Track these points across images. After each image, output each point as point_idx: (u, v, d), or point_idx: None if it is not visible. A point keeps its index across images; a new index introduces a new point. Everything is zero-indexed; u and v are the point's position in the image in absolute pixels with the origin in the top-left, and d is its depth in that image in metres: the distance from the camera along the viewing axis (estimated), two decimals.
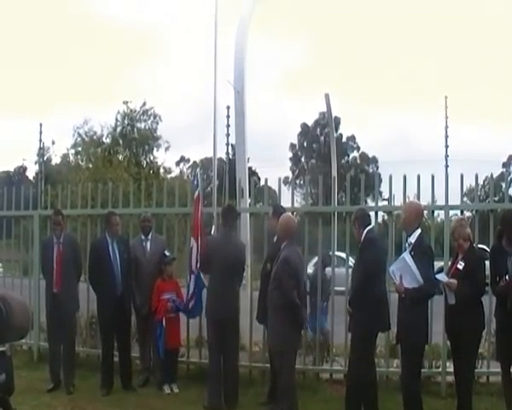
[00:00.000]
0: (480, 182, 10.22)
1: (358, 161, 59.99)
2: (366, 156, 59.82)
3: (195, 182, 9.84)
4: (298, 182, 51.02)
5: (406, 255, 7.24)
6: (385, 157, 51.17)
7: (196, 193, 9.65)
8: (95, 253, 9.69)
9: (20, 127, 68.54)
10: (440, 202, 9.24)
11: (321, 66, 71.03)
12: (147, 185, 11.60)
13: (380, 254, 7.80)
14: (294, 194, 10.28)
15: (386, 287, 8.03)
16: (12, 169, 55.89)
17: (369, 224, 7.88)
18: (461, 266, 7.40)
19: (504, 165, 50.00)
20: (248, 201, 11.19)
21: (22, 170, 55.33)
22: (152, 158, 38.74)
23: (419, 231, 7.42)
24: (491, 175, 10.14)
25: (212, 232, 10.18)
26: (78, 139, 38.13)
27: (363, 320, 7.47)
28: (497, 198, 10.90)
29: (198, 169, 9.37)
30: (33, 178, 51.76)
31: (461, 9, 71.29)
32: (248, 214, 10.42)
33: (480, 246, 9.00)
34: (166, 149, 39.07)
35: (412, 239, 7.38)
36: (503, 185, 18.84)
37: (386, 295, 7.85)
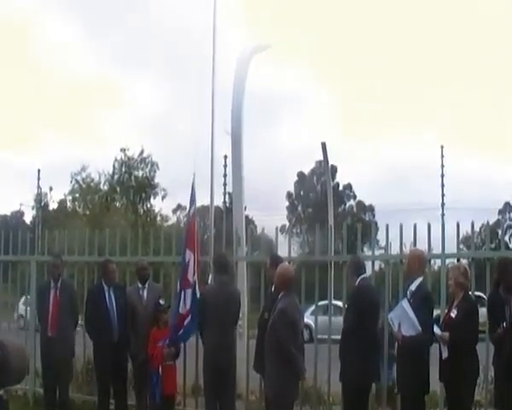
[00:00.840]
0: (477, 229, 10.25)
1: (355, 210, 60.14)
2: (363, 205, 59.96)
3: (191, 196, 9.74)
4: (295, 230, 51.05)
5: (404, 303, 7.25)
6: (381, 204, 51.07)
7: (192, 209, 9.63)
8: (91, 300, 9.68)
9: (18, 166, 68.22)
10: (437, 250, 9.25)
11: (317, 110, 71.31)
12: (144, 233, 11.61)
13: (372, 304, 7.80)
14: (291, 242, 10.27)
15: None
16: (9, 213, 55.89)
17: (363, 272, 7.91)
18: (453, 314, 7.40)
19: (500, 212, 50.15)
20: (245, 249, 11.21)
21: (19, 214, 55.32)
22: (149, 206, 38.82)
23: (420, 279, 7.44)
24: (488, 223, 10.18)
25: (209, 281, 10.17)
26: (76, 186, 38.26)
27: (353, 372, 7.45)
28: (493, 245, 10.90)
29: (193, 177, 9.18)
30: (30, 222, 51.72)
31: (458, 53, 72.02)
32: (245, 263, 10.43)
33: (476, 293, 9.00)
34: (163, 197, 39.19)
35: (413, 287, 7.40)
36: (500, 232, 18.88)
37: (377, 345, 7.83)
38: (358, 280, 7.70)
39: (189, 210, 9.86)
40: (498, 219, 41.44)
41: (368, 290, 7.92)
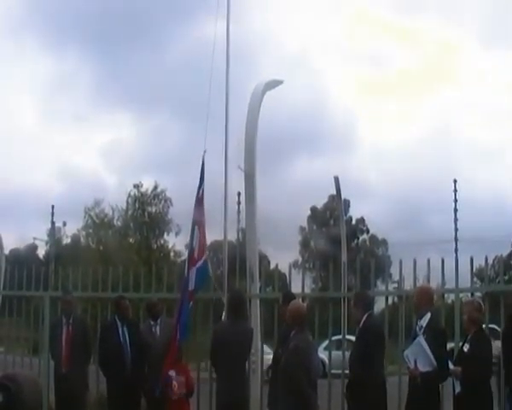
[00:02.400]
0: (490, 261, 10.24)
1: (368, 244, 59.96)
2: (376, 239, 59.78)
3: (201, 174, 10.14)
4: (308, 266, 50.91)
5: (421, 339, 7.24)
6: (395, 238, 50.92)
7: (201, 187, 10.02)
8: (105, 336, 9.70)
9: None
10: (450, 284, 9.23)
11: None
12: (157, 269, 11.65)
13: (380, 342, 7.79)
14: (304, 278, 10.30)
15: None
16: (22, 247, 56.14)
17: (371, 308, 7.90)
18: (466, 348, 7.37)
19: None
20: (258, 285, 11.21)
21: (33, 249, 55.49)
22: (162, 242, 38.87)
23: (429, 314, 7.41)
24: (501, 256, 10.16)
25: (222, 318, 10.17)
26: (89, 221, 38.41)
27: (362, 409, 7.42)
28: (506, 277, 10.90)
29: (204, 152, 9.57)
30: (43, 257, 51.89)
31: None
32: (258, 300, 10.44)
33: (490, 326, 8.96)
34: (177, 233, 39.27)
35: (423, 322, 7.38)
36: None
37: (384, 383, 7.79)
38: (366, 316, 7.70)
39: (199, 188, 10.13)
40: (511, 251, 41.10)
41: (377, 327, 7.93)
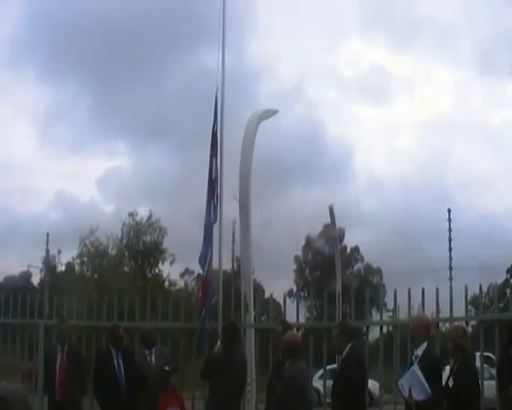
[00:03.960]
0: (485, 289, 10.29)
1: (363, 272, 59.90)
2: (370, 268, 59.73)
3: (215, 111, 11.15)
4: (302, 294, 50.84)
5: (416, 368, 7.24)
6: (389, 266, 50.91)
7: (216, 124, 11.12)
8: (99, 365, 9.68)
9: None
10: (445, 312, 9.27)
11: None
12: (152, 298, 11.66)
13: (363, 373, 7.85)
14: (299, 307, 10.32)
15: None
16: (17, 274, 55.85)
17: (354, 338, 7.94)
18: (451, 383, 7.30)
19: (508, 271, 49.63)
20: (253, 314, 11.22)
21: (27, 276, 55.25)
22: (157, 271, 38.86)
23: (426, 344, 7.43)
24: (496, 284, 10.20)
25: (217, 348, 10.17)
26: (84, 249, 38.38)
27: None
28: (501, 304, 10.93)
29: (217, 89, 10.53)
30: (38, 284, 51.69)
31: None
32: (253, 330, 10.45)
33: (485, 354, 8.99)
34: (172, 262, 39.26)
35: (419, 352, 7.39)
36: (508, 292, 18.81)
37: None
38: (349, 347, 7.76)
39: (214, 124, 11.12)
40: (506, 279, 41.15)
41: (360, 358, 8.00)
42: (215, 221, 10.80)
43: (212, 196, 10.84)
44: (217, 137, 11.16)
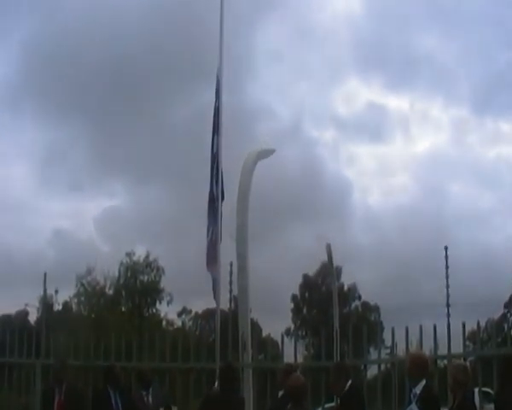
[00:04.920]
0: (483, 324, 10.30)
1: (360, 310, 59.71)
2: (368, 305, 59.56)
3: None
4: (300, 333, 50.63)
5: (413, 407, 7.22)
6: (387, 303, 50.77)
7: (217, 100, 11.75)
8: (97, 404, 9.61)
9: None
10: (443, 347, 9.26)
11: None
12: (149, 338, 11.64)
13: (362, 408, 7.84)
14: (297, 345, 10.31)
15: None
16: (13, 312, 55.54)
17: (350, 377, 7.93)
18: None
19: (506, 305, 49.48)
20: (251, 353, 11.20)
21: (24, 315, 54.93)
22: (154, 310, 38.77)
23: (424, 381, 7.41)
24: (493, 319, 10.22)
25: (215, 388, 10.12)
26: (81, 289, 38.30)
27: None
28: (499, 339, 10.91)
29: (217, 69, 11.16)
30: (35, 323, 51.37)
31: None
32: (251, 369, 10.43)
33: (483, 389, 8.96)
34: (169, 302, 39.19)
35: (417, 390, 7.36)
36: (506, 326, 18.78)
37: None
38: (348, 385, 7.75)
39: (216, 101, 11.77)
40: (504, 313, 41.10)
41: (360, 395, 7.99)
42: (220, 197, 11.27)
43: (214, 171, 11.40)
44: (218, 114, 11.66)
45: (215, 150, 11.55)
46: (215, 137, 11.63)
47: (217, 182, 11.36)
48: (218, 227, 11.15)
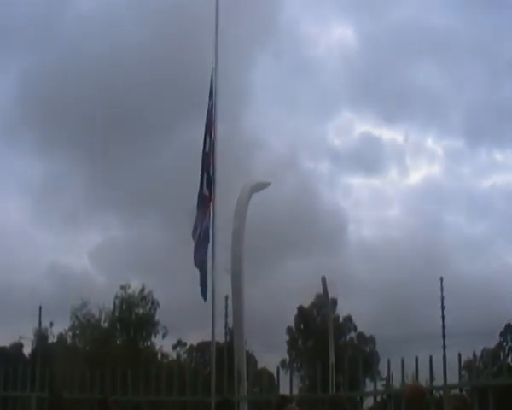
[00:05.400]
0: (478, 353, 10.32)
1: (356, 341, 59.51)
2: (363, 336, 59.39)
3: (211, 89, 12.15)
4: (295, 365, 50.38)
5: None
6: (382, 334, 50.62)
7: (211, 100, 12.09)
8: None
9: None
10: (439, 378, 9.26)
11: None
12: (145, 371, 11.61)
13: None
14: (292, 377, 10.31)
15: None
16: (7, 345, 55.19)
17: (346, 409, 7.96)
18: None
19: (502, 334, 49.32)
20: (246, 385, 11.18)
21: (18, 347, 54.57)
22: (149, 343, 38.61)
23: None
24: (489, 349, 10.22)
25: None
26: (76, 322, 38.14)
27: None
28: (495, 368, 10.92)
29: (212, 70, 12.22)
30: (29, 355, 51.02)
31: None
32: (247, 402, 10.41)
33: None
34: (164, 335, 39.06)
35: None
36: (501, 355, 18.75)
37: None
38: None
39: (209, 102, 12.07)
40: (500, 342, 41.00)
41: None
42: (210, 193, 11.53)
43: (205, 168, 11.64)
44: (211, 114, 11.98)
45: (207, 150, 11.79)
46: (207, 137, 11.88)
47: (208, 182, 11.58)
48: (207, 227, 11.37)
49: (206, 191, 11.49)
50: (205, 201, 11.48)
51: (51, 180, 68.03)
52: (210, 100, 12.12)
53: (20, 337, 52.84)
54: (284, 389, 9.90)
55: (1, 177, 71.40)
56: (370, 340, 58.28)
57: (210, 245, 11.27)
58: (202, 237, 11.33)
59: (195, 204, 11.66)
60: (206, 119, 11.99)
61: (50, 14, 69.00)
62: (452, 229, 69.04)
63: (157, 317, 38.88)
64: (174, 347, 55.09)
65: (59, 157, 72.30)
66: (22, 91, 69.15)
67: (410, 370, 9.60)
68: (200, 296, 11.08)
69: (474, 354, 9.40)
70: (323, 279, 19.94)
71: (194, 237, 11.45)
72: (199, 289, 11.15)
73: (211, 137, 11.83)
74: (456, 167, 74.76)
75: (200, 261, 11.26)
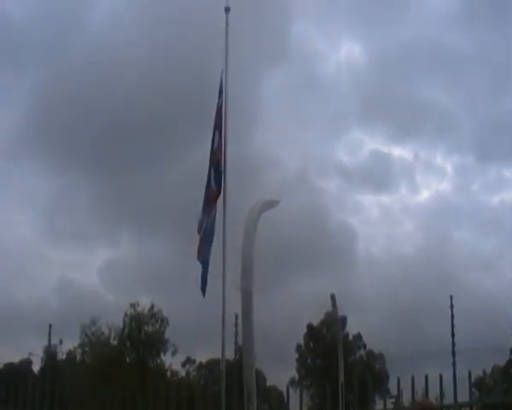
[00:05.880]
0: (489, 371, 10.32)
1: (365, 359, 59.26)
2: (373, 353, 59.14)
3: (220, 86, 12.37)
4: (305, 383, 50.19)
5: None
6: (392, 351, 50.34)
7: (221, 98, 12.33)
8: None
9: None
10: (449, 395, 9.26)
11: None
12: (154, 388, 11.64)
13: None
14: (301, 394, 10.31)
15: None
16: (17, 361, 55.28)
17: None
18: None
19: None
20: (256, 402, 11.16)
21: (28, 363, 54.61)
22: (159, 361, 38.58)
23: None
24: (499, 366, 10.20)
25: None
26: (85, 339, 38.19)
27: None
28: (505, 385, 10.92)
29: (222, 70, 12.49)
30: (38, 372, 51.06)
31: None
32: None
33: None
34: (173, 353, 39.04)
35: None
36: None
37: None
38: None
39: (219, 99, 12.25)
40: (510, 359, 40.69)
41: None
42: (218, 188, 11.66)
43: (213, 163, 11.87)
44: (221, 112, 12.22)
45: (215, 146, 12.02)
46: (216, 133, 12.10)
47: (216, 177, 11.77)
48: (212, 222, 11.57)
49: (213, 186, 11.74)
50: (212, 196, 11.72)
51: (61, 197, 68.29)
52: (219, 98, 12.37)
53: (30, 354, 52.93)
54: (294, 408, 9.92)
55: (10, 194, 71.62)
56: (380, 357, 58.06)
57: (220, 260, 11.31)
58: (208, 233, 11.58)
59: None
60: (215, 116, 12.24)
61: (57, 32, 69.38)
62: (462, 245, 68.73)
63: (166, 335, 38.89)
64: (183, 364, 55.02)
65: (69, 174, 72.49)
66: (31, 109, 69.67)
67: (419, 387, 9.62)
68: (201, 298, 11.23)
69: (483, 372, 9.40)
70: (333, 296, 19.89)
71: (199, 232, 11.70)
72: (199, 288, 11.36)
73: (220, 133, 12.07)
74: (465, 184, 74.62)
75: (204, 259, 11.50)
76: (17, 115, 77.38)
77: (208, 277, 11.37)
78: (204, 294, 11.33)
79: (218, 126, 12.17)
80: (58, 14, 69.82)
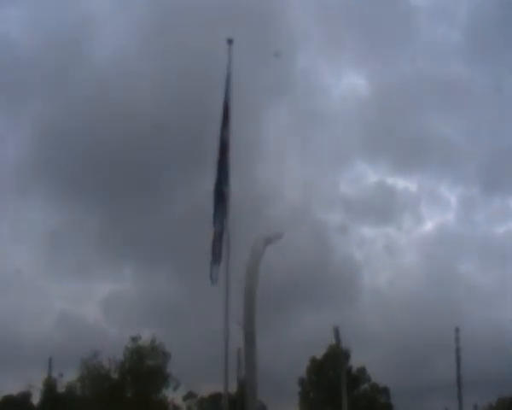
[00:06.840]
0: (494, 403, 10.22)
1: (369, 392, 58.67)
2: (377, 387, 58.60)
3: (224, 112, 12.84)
4: None
5: None
6: (397, 385, 49.93)
7: (226, 128, 12.66)
8: None
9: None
10: None
11: None
12: None
13: None
14: None
15: None
16: (15, 393, 54.78)
17: None
18: None
19: None
20: None
21: (27, 397, 54.06)
22: (161, 396, 38.32)
23: None
24: (505, 398, 10.09)
25: None
26: (85, 372, 37.91)
27: None
28: None
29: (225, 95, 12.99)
30: (37, 404, 50.62)
31: None
32: None
33: None
34: (175, 387, 38.79)
35: None
36: None
37: None
38: None
39: (223, 128, 12.57)
40: None
41: None
42: (226, 185, 12.21)
43: (221, 160, 12.35)
44: (227, 109, 12.68)
45: (224, 138, 12.46)
46: (224, 129, 12.52)
47: (224, 173, 12.26)
48: (225, 217, 12.13)
49: (224, 188, 12.26)
50: (224, 197, 12.23)
51: (63, 231, 68.43)
52: (225, 97, 12.77)
53: (30, 386, 52.44)
54: None
55: (13, 226, 71.82)
56: (384, 391, 57.50)
57: (223, 295, 11.27)
58: (220, 231, 12.08)
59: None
60: (223, 113, 12.66)
61: (63, 67, 69.87)
62: (467, 276, 68.69)
63: (168, 369, 38.61)
64: (185, 398, 54.57)
65: (72, 208, 72.77)
66: (35, 144, 70.16)
67: None
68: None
69: (489, 405, 9.28)
70: (336, 329, 19.78)
71: (214, 228, 12.13)
72: (207, 289, 11.75)
73: (227, 128, 12.55)
74: (470, 215, 74.67)
75: (217, 253, 11.98)
76: (20, 152, 77.89)
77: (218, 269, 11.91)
78: (212, 282, 11.83)
79: (226, 123, 12.61)
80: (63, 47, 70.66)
